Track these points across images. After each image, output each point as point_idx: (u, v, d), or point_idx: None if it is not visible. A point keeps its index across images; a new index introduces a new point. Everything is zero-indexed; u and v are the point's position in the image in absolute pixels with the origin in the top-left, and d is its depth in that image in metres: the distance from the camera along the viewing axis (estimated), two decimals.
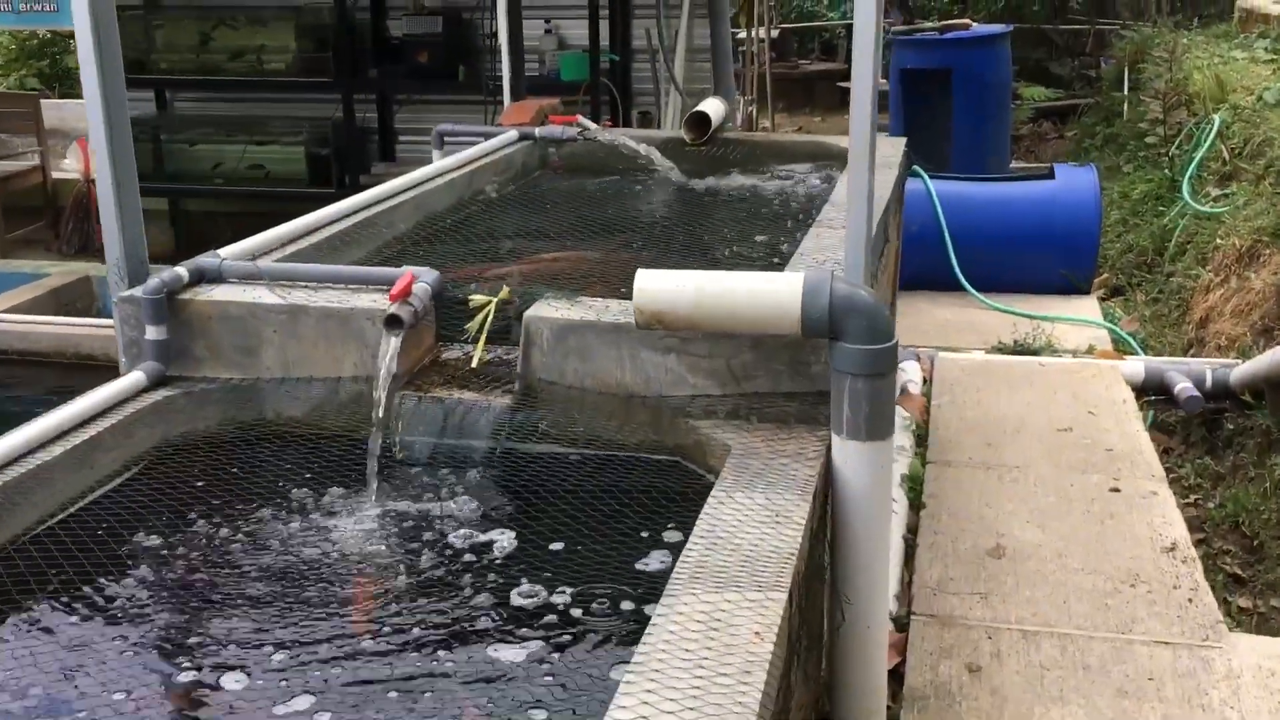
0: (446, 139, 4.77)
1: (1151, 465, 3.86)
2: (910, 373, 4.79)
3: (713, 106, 4.73)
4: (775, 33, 13.65)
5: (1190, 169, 6.67)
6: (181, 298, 2.64)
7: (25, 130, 7.76)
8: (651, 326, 2.30)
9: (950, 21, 7.66)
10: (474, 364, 2.55)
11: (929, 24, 7.82)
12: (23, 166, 7.71)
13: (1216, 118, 6.79)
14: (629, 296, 2.30)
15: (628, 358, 2.45)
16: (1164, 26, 10.84)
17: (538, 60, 6.97)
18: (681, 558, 1.88)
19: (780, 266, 3.13)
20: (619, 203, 4.01)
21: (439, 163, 4.02)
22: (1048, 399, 4.45)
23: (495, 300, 2.60)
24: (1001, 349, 5.18)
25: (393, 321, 2.44)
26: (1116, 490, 3.67)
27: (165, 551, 2.21)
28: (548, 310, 2.52)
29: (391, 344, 2.45)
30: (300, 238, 3.18)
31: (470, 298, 2.63)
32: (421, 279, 2.57)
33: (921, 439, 4.22)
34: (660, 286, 2.25)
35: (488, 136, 4.59)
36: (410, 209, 3.62)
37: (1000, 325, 5.56)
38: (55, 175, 7.93)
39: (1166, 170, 7.37)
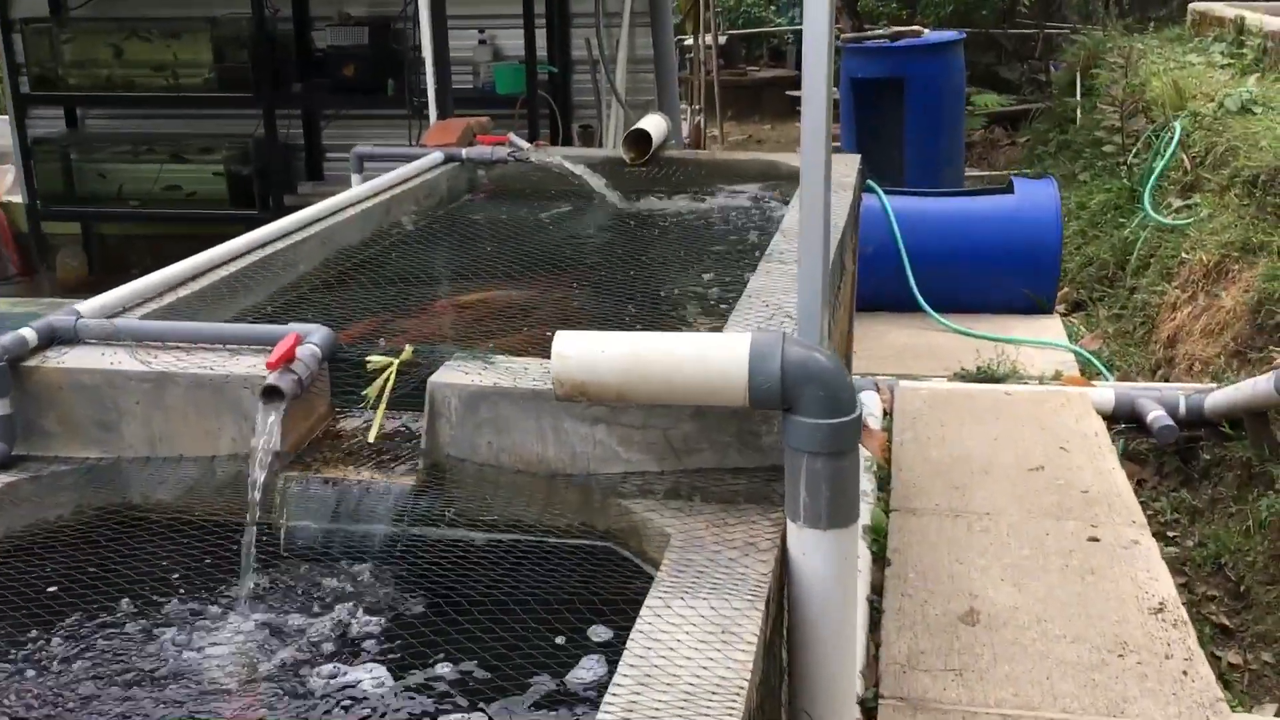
0: (366, 161, 4.41)
1: (1131, 509, 3.58)
2: (869, 405, 4.48)
3: (654, 124, 4.40)
4: (723, 39, 13.38)
5: (1151, 179, 6.44)
6: (28, 364, 2.26)
7: None
8: (574, 399, 1.96)
9: (902, 29, 7.39)
10: (371, 437, 2.19)
11: (880, 31, 7.55)
12: None
13: (1177, 125, 6.56)
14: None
15: (550, 429, 2.11)
16: (1115, 31, 10.67)
17: (471, 73, 6.61)
18: (608, 698, 1.54)
19: (727, 308, 2.80)
20: (552, 232, 3.67)
21: (351, 191, 3.65)
22: (1016, 433, 4.16)
23: (397, 362, 2.25)
24: (965, 376, 4.89)
25: (271, 393, 2.08)
26: (1095, 540, 3.38)
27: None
28: (456, 375, 2.17)
29: (270, 419, 2.09)
30: (183, 284, 2.80)
31: (368, 359, 2.27)
32: (309, 339, 2.21)
33: (884, 481, 3.92)
34: (583, 353, 1.92)
35: (411, 159, 4.23)
36: (315, 245, 3.25)
37: (962, 348, 5.27)
38: None
39: (1125, 180, 7.15)
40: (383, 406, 2.22)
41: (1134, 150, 7.31)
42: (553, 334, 1.94)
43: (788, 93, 11.12)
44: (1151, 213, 6.28)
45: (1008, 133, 11.52)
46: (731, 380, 1.87)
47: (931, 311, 5.53)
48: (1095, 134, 8.14)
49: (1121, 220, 6.86)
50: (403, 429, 2.27)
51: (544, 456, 2.13)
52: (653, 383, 1.90)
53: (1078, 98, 9.77)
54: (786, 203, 3.81)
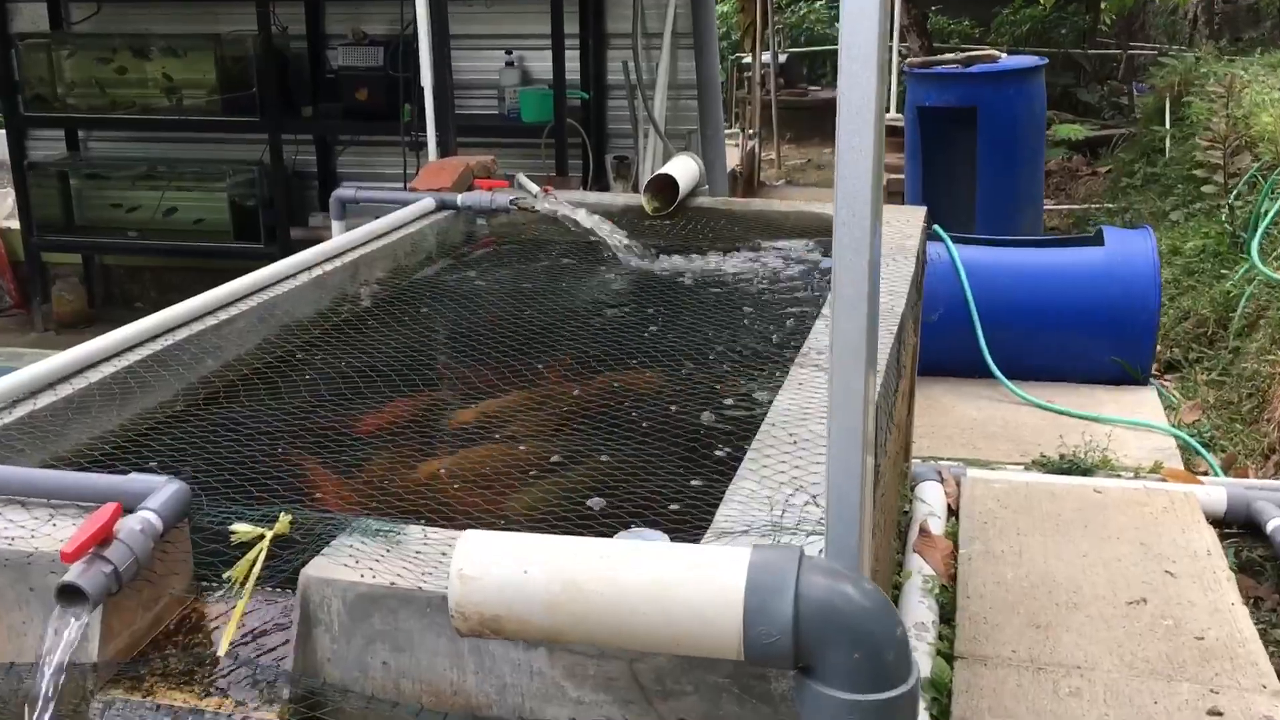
0: (350, 205, 3.81)
1: (1259, 666, 2.86)
2: (930, 501, 3.79)
3: (682, 168, 3.75)
4: (783, 57, 12.71)
5: (1261, 226, 5.67)
6: None
7: None
8: (483, 636, 1.32)
9: (976, 53, 6.67)
10: (222, 648, 1.56)
11: (951, 55, 6.84)
12: None
13: None
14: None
15: (469, 652, 1.47)
16: (1209, 54, 9.83)
17: (497, 98, 6.02)
18: None
19: (740, 436, 2.15)
20: (550, 302, 3.04)
21: (313, 250, 3.05)
22: (1110, 548, 3.45)
23: (270, 535, 1.62)
24: (1046, 464, 4.18)
25: (69, 594, 1.47)
26: (1217, 715, 2.67)
27: None
28: (340, 565, 1.54)
29: (66, 631, 1.47)
30: (61, 381, 2.21)
31: (233, 528, 1.65)
32: (147, 504, 1.59)
33: (947, 609, 3.22)
34: (497, 574, 1.27)
35: (400, 204, 3.63)
36: (248, 323, 2.65)
37: (1041, 426, 4.55)
38: None
39: (1227, 224, 6.37)
40: (244, 600, 1.59)
41: (1236, 191, 6.53)
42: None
43: None
44: (1259, 265, 5.52)
45: (1087, 161, 10.71)
46: (717, 627, 1.22)
47: (1006, 380, 4.82)
48: (1190, 170, 7.35)
49: (1223, 270, 6.09)
50: (281, 621, 1.65)
51: (461, 688, 1.49)
52: (598, 625, 1.25)
53: (1167, 126, 8.97)
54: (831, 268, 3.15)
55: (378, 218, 3.50)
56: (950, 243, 4.97)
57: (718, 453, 2.11)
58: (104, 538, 1.50)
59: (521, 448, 2.27)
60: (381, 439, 2.29)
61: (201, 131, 6.33)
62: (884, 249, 3.24)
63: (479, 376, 2.58)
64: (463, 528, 1.58)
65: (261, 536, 1.62)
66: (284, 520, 1.63)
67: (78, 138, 6.60)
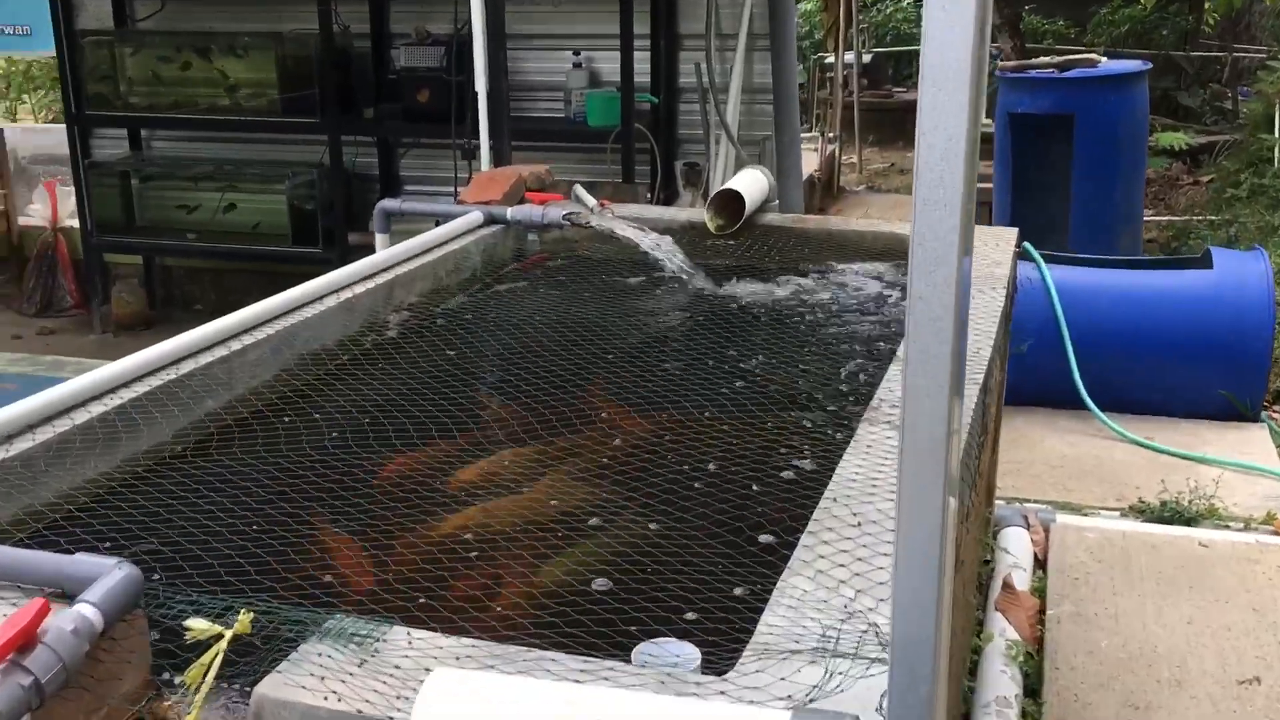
0: (395, 218, 3.58)
1: None
2: (1015, 552, 3.46)
3: (749, 182, 3.47)
4: (867, 57, 12.32)
5: None
6: None
7: None
8: None
9: (1073, 56, 6.26)
10: None
11: (1046, 59, 6.44)
12: None
13: None
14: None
15: None
16: None
17: (563, 100, 5.78)
18: None
19: (801, 510, 1.86)
20: (599, 333, 2.77)
21: (341, 271, 2.81)
22: (1218, 614, 3.10)
23: (228, 635, 1.38)
24: (1143, 511, 3.81)
25: None
26: None
27: None
28: (298, 688, 1.28)
29: None
30: (43, 422, 1.99)
31: (188, 624, 1.41)
32: (94, 594, 1.36)
33: (1032, 681, 2.90)
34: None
35: (447, 217, 3.39)
36: (262, 354, 2.42)
37: (1139, 466, 4.18)
38: (22, 221, 6.96)
39: None
40: (195, 713, 1.34)
41: None
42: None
43: None
44: None
45: (1189, 169, 10.17)
46: None
47: (1100, 414, 4.45)
48: None
49: None
50: None
51: None
52: None
53: (1277, 135, 8.44)
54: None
55: (440, 223, 3.28)
56: (1042, 262, 4.61)
57: (765, 537, 1.82)
58: (25, 642, 1.26)
59: (553, 503, 2.01)
60: (399, 490, 2.04)
61: (261, 132, 6.18)
62: (970, 278, 2.94)
63: (513, 417, 2.33)
64: (469, 606, 1.34)
65: (220, 635, 1.37)
66: (244, 619, 1.38)
67: (140, 137, 6.49)
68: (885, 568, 1.53)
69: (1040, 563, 3.50)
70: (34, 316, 6.63)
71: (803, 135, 6.22)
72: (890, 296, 3.00)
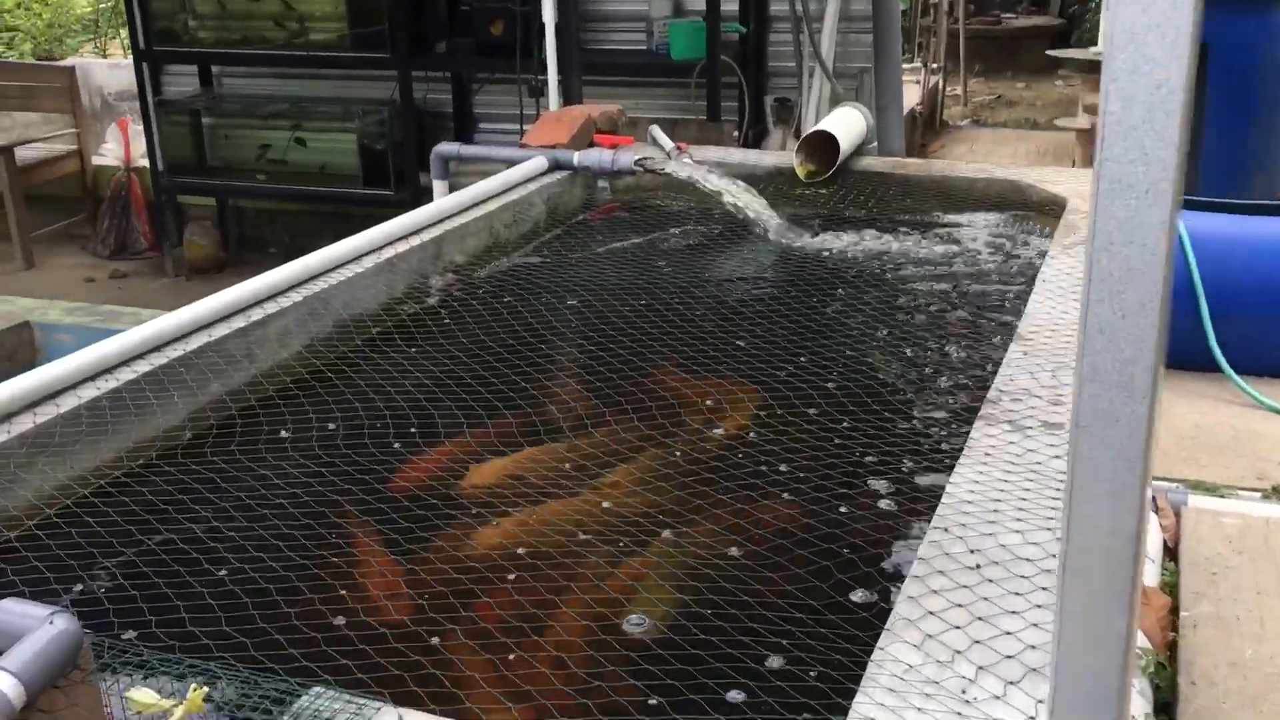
0: (453, 164, 3.28)
1: None
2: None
3: (844, 123, 3.08)
4: None
5: None
6: None
7: (60, 108, 6.67)
8: None
9: None
10: None
11: None
12: (56, 152, 6.60)
13: None
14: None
15: None
16: None
17: (645, 31, 5.39)
18: None
19: (899, 537, 1.53)
20: (670, 303, 2.44)
21: (386, 226, 2.52)
22: None
23: (178, 713, 1.10)
24: None
25: None
26: None
27: None
28: None
29: None
30: (29, 407, 1.74)
31: (130, 695, 1.13)
32: (13, 661, 1.09)
33: (1164, 696, 2.54)
34: None
35: (510, 162, 3.08)
36: (289, 323, 2.14)
37: None
38: (96, 161, 6.81)
39: None
40: None
41: None
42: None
43: (1048, 52, 9.36)
44: None
45: None
46: None
47: (1237, 378, 3.99)
48: None
49: None
50: None
51: None
52: None
53: None
54: (1036, 263, 2.46)
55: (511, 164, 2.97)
56: None
57: (858, 593, 1.48)
58: None
59: (606, 506, 1.71)
60: (438, 488, 1.75)
61: (331, 68, 5.90)
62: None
63: (572, 399, 2.02)
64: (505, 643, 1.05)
65: (163, 709, 1.10)
66: (195, 696, 1.10)
67: (210, 74, 6.27)
68: (1015, 633, 1.20)
69: (1171, 553, 3.11)
70: (108, 259, 6.50)
71: (903, 66, 5.75)
72: (1007, 257, 2.62)
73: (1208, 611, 2.80)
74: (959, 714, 1.08)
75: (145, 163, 6.39)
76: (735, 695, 1.27)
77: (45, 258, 6.53)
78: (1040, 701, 1.10)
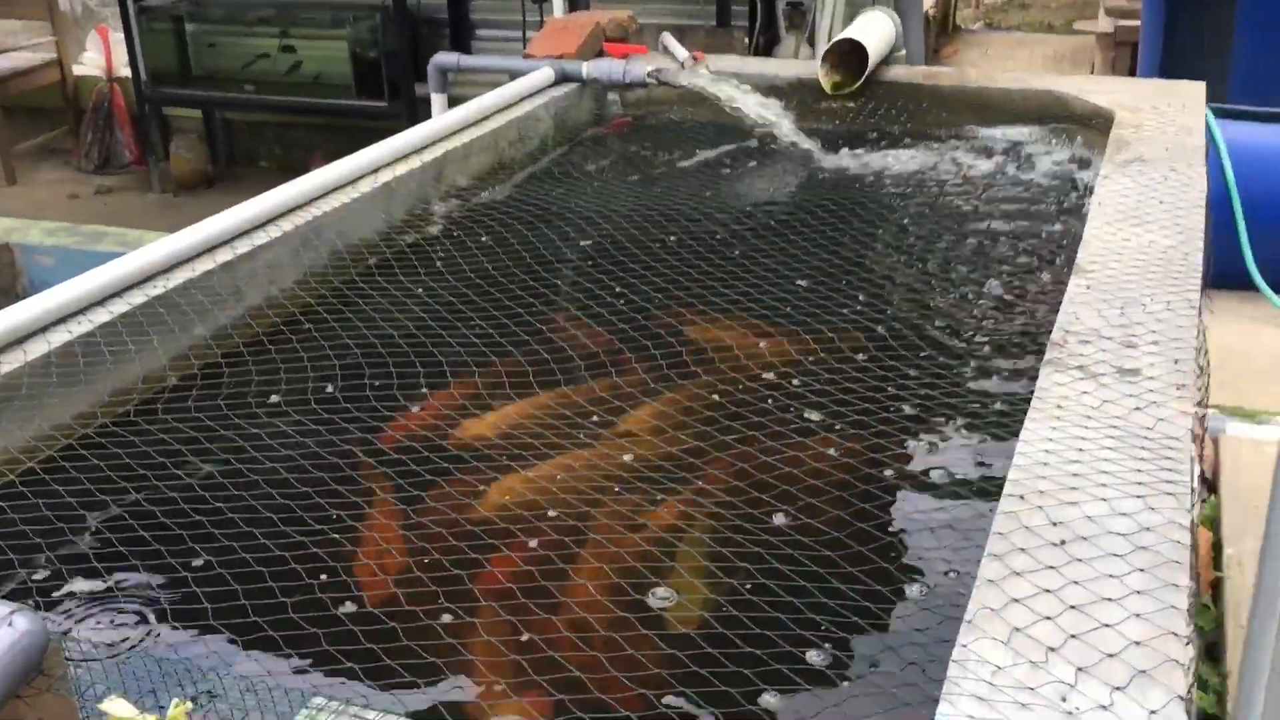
0: (452, 75, 3.07)
1: None
2: None
3: (872, 29, 2.87)
4: None
5: None
6: None
7: (37, 15, 6.37)
8: None
9: None
10: None
11: None
12: (35, 61, 6.32)
13: None
14: None
15: None
16: None
17: None
18: None
19: (963, 505, 1.37)
20: (688, 227, 2.25)
21: (384, 146, 2.32)
22: None
23: None
24: None
25: None
26: None
27: None
28: None
29: None
30: (23, 340, 1.58)
31: (104, 707, 0.98)
32: None
33: (1209, 640, 2.42)
34: None
35: (513, 74, 2.87)
36: (278, 255, 1.96)
37: None
38: (77, 70, 6.52)
39: None
40: None
41: None
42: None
43: None
44: None
45: None
46: None
47: (1276, 299, 3.84)
48: None
49: None
50: None
51: None
52: None
53: None
54: (1086, 182, 2.28)
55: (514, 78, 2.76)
56: (1212, 117, 3.93)
57: (917, 548, 1.33)
58: None
59: (627, 458, 1.55)
60: (438, 441, 1.59)
61: None
62: (1158, 153, 2.35)
63: (585, 337, 1.86)
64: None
65: None
66: (178, 712, 0.95)
67: None
68: (1115, 625, 1.05)
69: (1210, 484, 2.98)
70: (92, 174, 6.27)
71: None
72: (1054, 176, 2.44)
73: (1254, 548, 2.66)
74: None
75: (128, 72, 6.12)
76: (769, 699, 1.12)
77: (28, 173, 6.29)
78: (1153, 713, 0.96)
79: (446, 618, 1.24)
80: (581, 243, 2.19)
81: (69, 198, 5.97)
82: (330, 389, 1.68)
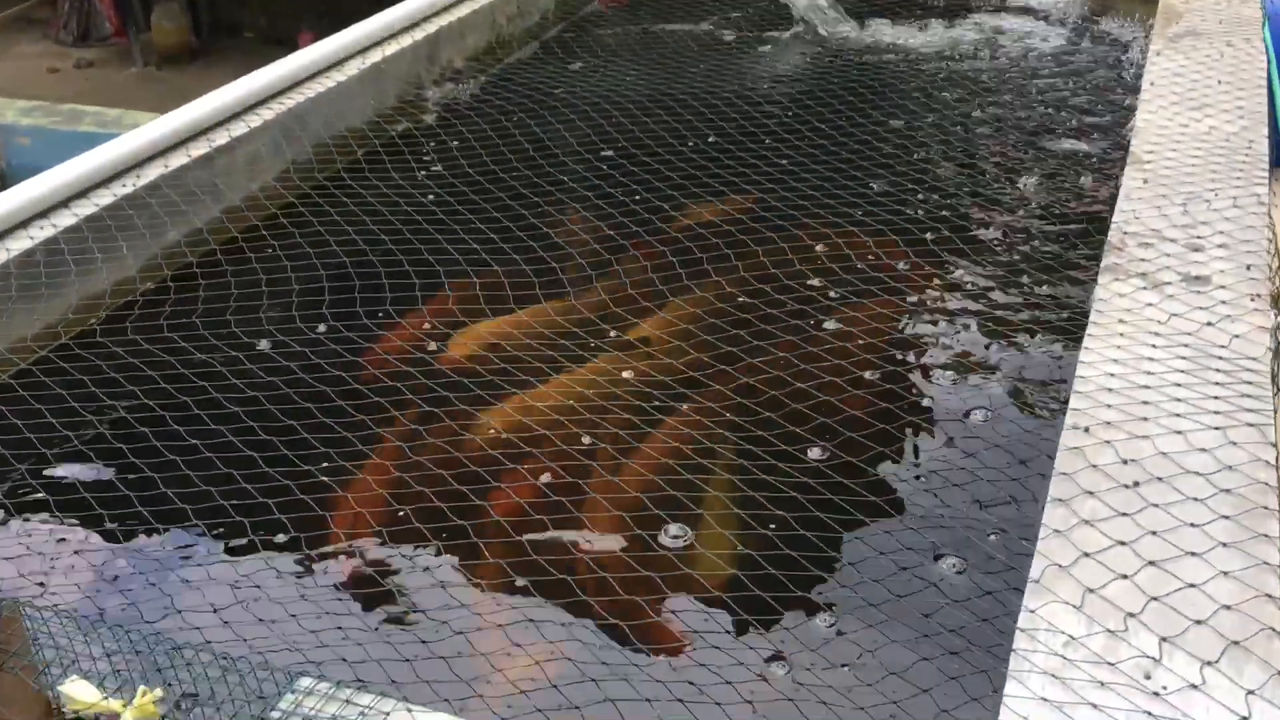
0: None
1: None
2: None
3: None
4: None
5: None
6: None
7: None
8: None
9: None
10: None
11: None
12: None
13: None
14: None
15: None
16: None
17: None
18: None
19: (1021, 443, 1.25)
20: (701, 113, 2.08)
21: (372, 23, 2.13)
22: None
23: (125, 715, 0.84)
24: None
25: None
26: None
27: None
28: None
29: None
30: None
31: (66, 690, 0.87)
32: None
33: None
34: None
35: None
36: (258, 149, 1.80)
37: None
38: None
39: None
40: None
41: None
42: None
43: None
44: None
45: None
46: None
47: None
48: None
49: None
50: None
51: None
52: None
53: None
54: (1135, 59, 2.11)
55: None
56: None
57: (962, 493, 1.20)
58: None
59: (625, 377, 1.42)
60: (421, 359, 1.46)
61: None
62: (1212, 25, 2.17)
63: (588, 235, 1.71)
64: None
65: (99, 710, 0.84)
66: (146, 700, 0.84)
67: None
68: (1200, 585, 0.93)
69: None
70: (72, 46, 5.99)
71: None
72: (1099, 47, 2.25)
73: None
74: (1149, 714, 0.82)
75: None
76: (779, 669, 1.01)
77: (5, 46, 6.02)
78: (1251, 693, 0.84)
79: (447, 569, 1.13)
80: (576, 132, 2.01)
81: (49, 71, 5.71)
82: (313, 300, 1.54)
